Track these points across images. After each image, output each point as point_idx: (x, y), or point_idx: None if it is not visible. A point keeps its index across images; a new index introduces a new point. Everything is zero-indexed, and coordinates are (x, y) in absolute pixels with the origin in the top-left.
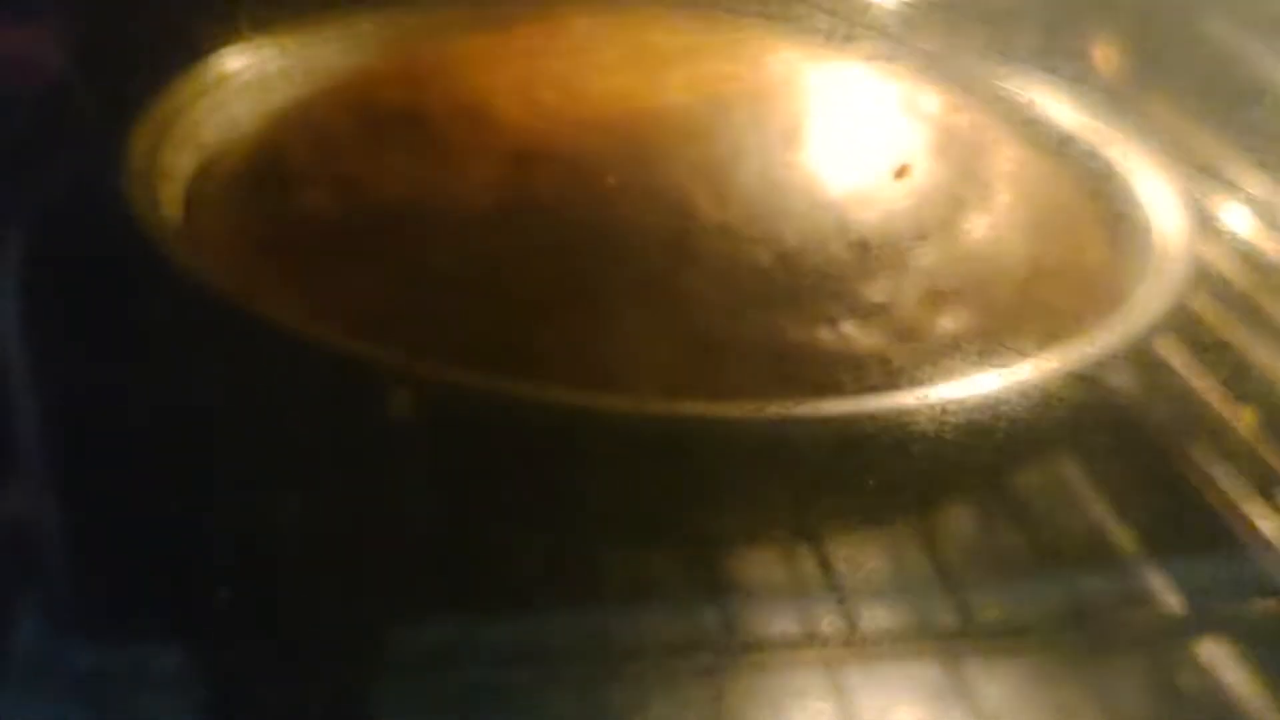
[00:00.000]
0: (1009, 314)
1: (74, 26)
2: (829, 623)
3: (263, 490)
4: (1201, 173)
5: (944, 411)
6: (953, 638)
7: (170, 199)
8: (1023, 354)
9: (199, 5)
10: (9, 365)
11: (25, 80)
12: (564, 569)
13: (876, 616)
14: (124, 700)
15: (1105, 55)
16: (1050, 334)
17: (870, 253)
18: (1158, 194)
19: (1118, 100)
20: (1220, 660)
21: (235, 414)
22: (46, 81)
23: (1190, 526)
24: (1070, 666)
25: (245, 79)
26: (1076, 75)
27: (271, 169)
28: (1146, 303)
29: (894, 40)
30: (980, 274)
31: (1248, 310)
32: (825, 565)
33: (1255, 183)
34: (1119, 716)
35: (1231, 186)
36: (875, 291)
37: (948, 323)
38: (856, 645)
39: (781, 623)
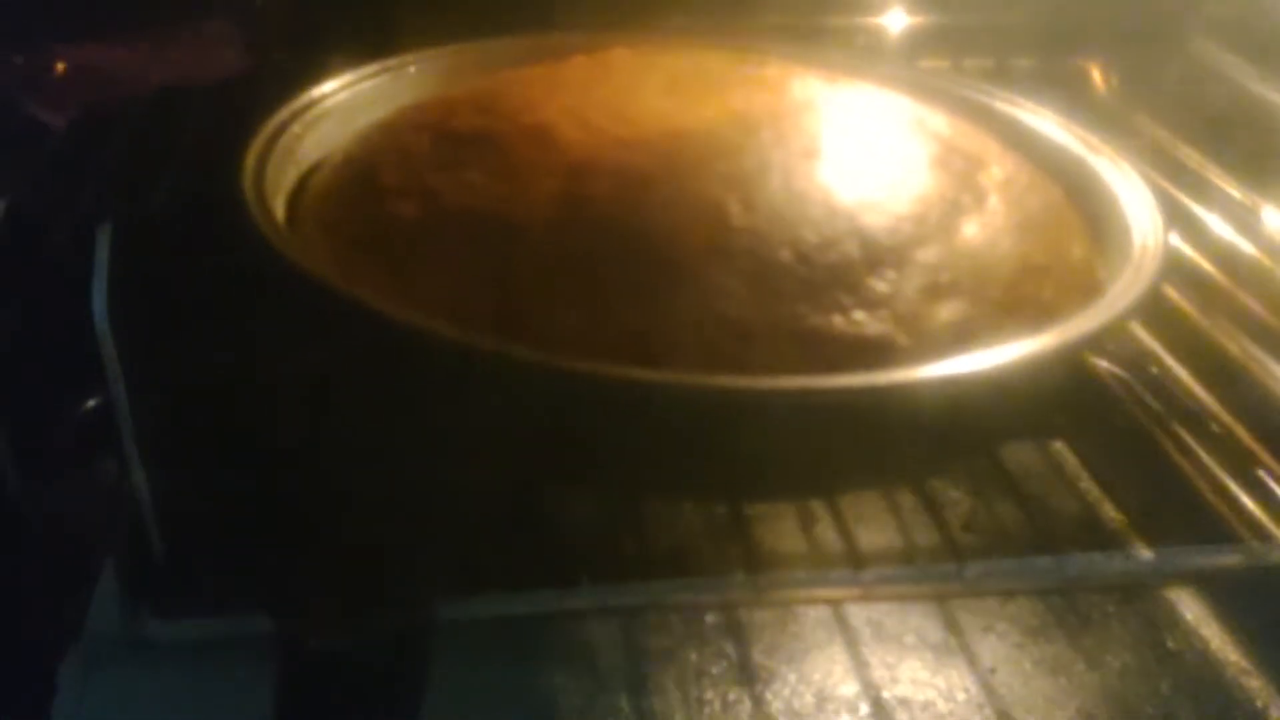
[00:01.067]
0: (1000, 305)
1: (199, 61)
2: (843, 581)
3: (349, 463)
4: (1181, 180)
5: (943, 389)
6: (953, 597)
7: (276, 205)
8: (1012, 340)
9: (297, 44)
10: (137, 352)
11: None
12: (610, 529)
13: (885, 577)
14: (205, 667)
15: (1096, 75)
16: (1037, 323)
17: (878, 251)
18: (1138, 199)
19: (1106, 115)
20: (1199, 617)
21: (327, 388)
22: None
23: (1170, 499)
24: (1060, 626)
25: (336, 104)
26: (1068, 93)
27: (362, 181)
28: (1126, 295)
29: (902, 65)
30: (974, 270)
31: (1222, 303)
32: (841, 527)
33: (1231, 189)
34: (1105, 669)
35: (1209, 192)
36: (882, 284)
37: (945, 312)
38: (868, 602)
39: (801, 580)
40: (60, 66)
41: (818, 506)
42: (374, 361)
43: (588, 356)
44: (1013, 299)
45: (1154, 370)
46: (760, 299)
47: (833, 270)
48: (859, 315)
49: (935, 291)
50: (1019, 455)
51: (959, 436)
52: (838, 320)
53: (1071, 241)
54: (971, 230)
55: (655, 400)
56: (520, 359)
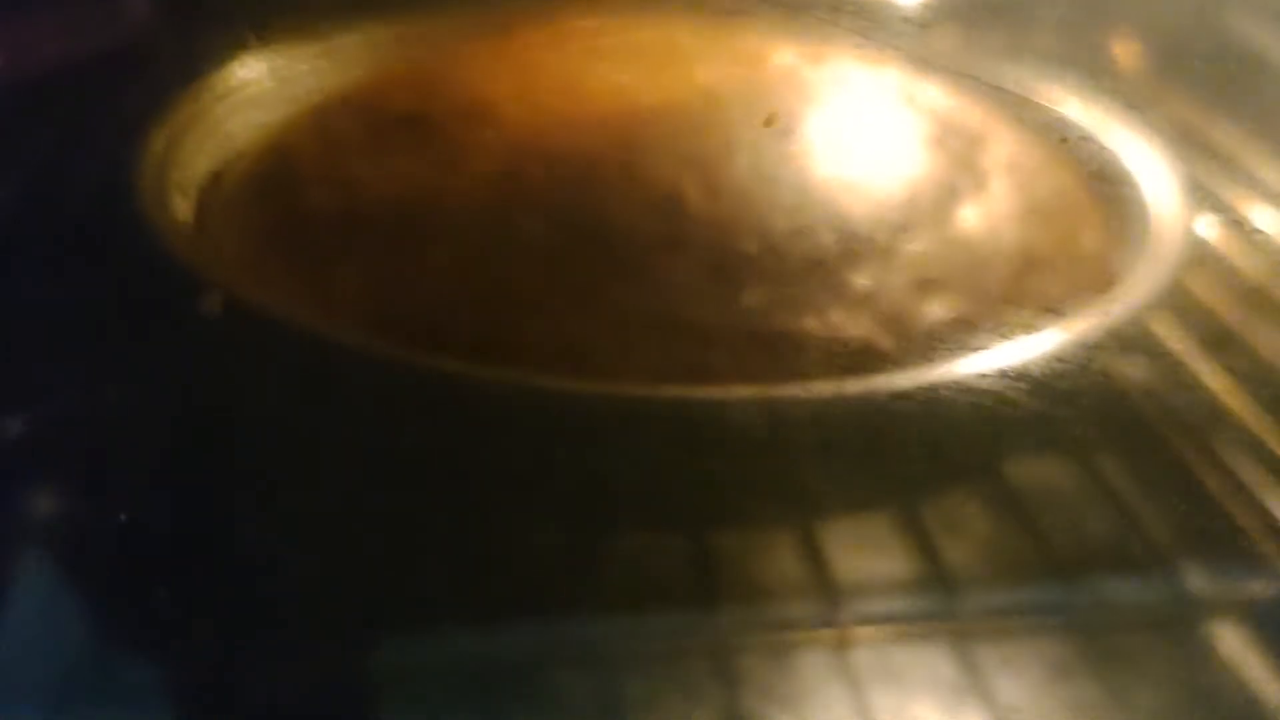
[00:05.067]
0: (998, 301)
1: (93, 34)
2: (844, 616)
3: (270, 489)
4: (1210, 161)
5: (932, 396)
6: (968, 630)
7: (183, 203)
8: (1011, 340)
9: (212, 17)
10: (25, 372)
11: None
12: (570, 563)
13: (892, 609)
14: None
15: (1118, 49)
16: (1040, 320)
17: (858, 242)
18: (1159, 181)
19: (1127, 92)
20: (1239, 652)
21: (242, 411)
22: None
23: (1199, 514)
24: (1087, 662)
25: (256, 88)
26: (1086, 69)
27: (280, 172)
28: (1140, 287)
29: (899, 38)
30: (970, 262)
31: (1251, 294)
32: (843, 556)
33: (1265, 171)
34: (1138, 710)
35: (1240, 174)
36: (862, 279)
37: (936, 310)
38: (867, 638)
39: (789, 615)
40: None
41: (818, 534)
42: (282, 373)
43: (519, 367)
44: (1014, 295)
45: (1186, 377)
46: (721, 297)
47: (806, 263)
48: (835, 315)
49: (923, 287)
50: (1038, 473)
51: (952, 452)
52: (811, 321)
53: (1083, 230)
54: (968, 218)
55: (595, 416)
56: (441, 372)
